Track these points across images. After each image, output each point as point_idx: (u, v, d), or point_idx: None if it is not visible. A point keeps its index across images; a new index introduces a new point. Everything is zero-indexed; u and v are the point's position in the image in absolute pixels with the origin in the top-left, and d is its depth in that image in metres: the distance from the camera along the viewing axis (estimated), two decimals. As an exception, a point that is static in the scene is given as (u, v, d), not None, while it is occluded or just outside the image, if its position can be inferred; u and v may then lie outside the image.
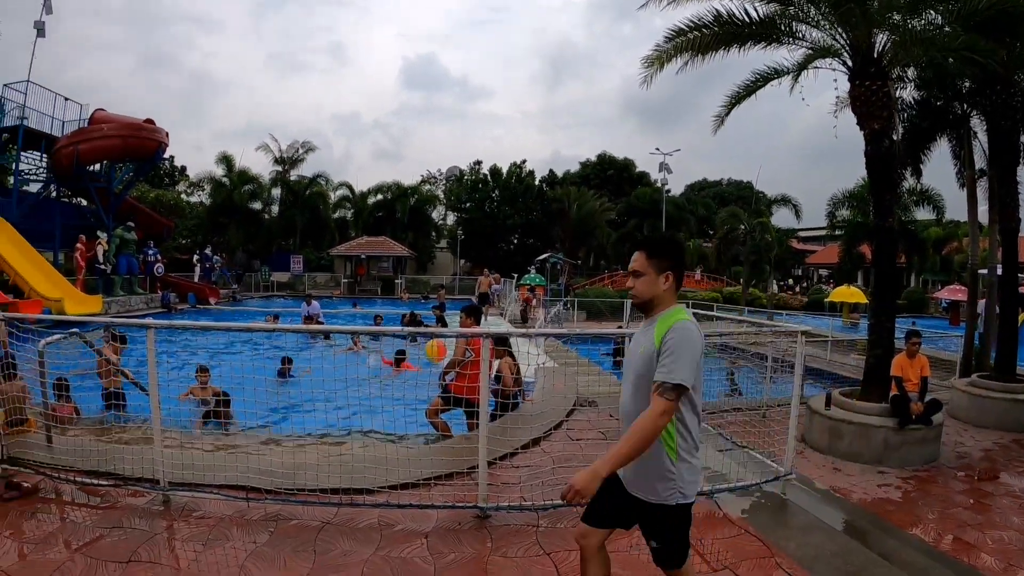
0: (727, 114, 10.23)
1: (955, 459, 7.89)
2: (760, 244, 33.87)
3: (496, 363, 7.92)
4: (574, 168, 61.17)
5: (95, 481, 5.88)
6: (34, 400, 7.02)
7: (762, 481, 6.12)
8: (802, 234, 56.35)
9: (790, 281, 49.73)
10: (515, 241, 54.23)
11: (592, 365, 13.20)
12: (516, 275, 30.99)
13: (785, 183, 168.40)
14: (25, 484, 5.79)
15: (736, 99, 9.96)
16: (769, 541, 5.07)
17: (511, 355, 8.60)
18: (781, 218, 41.79)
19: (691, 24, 8.82)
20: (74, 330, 7.54)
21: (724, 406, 9.33)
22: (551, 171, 58.56)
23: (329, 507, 5.31)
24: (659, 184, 48.14)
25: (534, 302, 26.51)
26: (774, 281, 41.24)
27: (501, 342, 8.35)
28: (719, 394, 9.98)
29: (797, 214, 35.73)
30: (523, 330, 10.25)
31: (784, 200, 36.18)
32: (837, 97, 9.15)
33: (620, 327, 21.48)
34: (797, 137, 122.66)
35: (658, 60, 9.38)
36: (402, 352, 12.58)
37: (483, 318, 23.62)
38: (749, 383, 10.92)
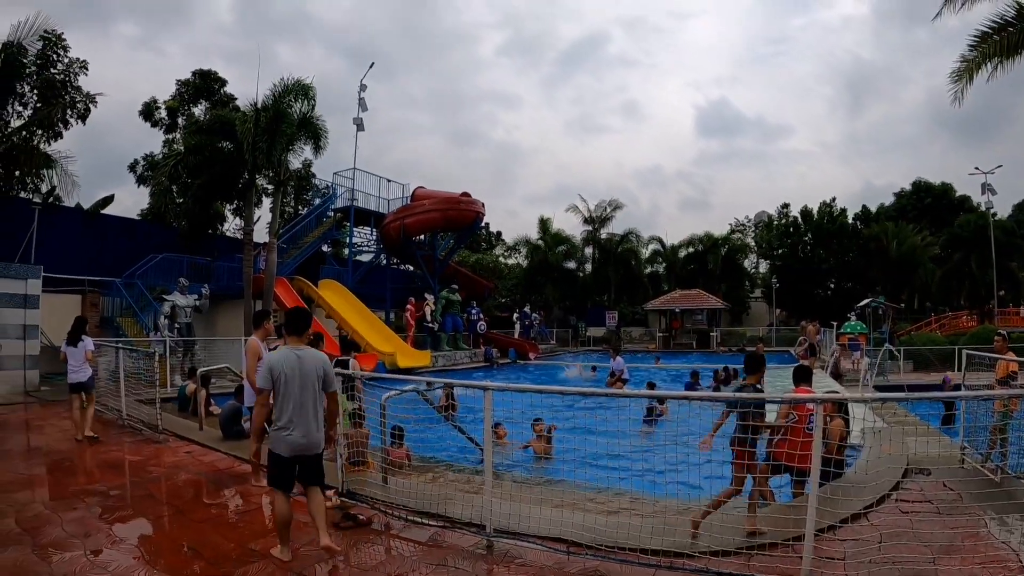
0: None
1: None
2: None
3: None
4: (887, 200, 55.80)
5: (424, 520, 6.28)
6: (373, 444, 7.90)
7: None
8: None
9: None
10: (831, 286, 50.51)
11: (922, 424, 11.45)
12: (835, 323, 28.50)
13: None
14: (361, 517, 6.39)
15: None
16: None
17: (843, 416, 7.78)
18: None
19: (994, 25, 7.70)
20: (412, 387, 8.41)
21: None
22: (864, 206, 53.59)
23: (647, 567, 5.11)
24: (983, 208, 42.02)
25: (849, 355, 24.05)
26: None
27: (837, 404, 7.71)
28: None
29: None
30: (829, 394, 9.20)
31: None
32: None
33: (950, 378, 18.47)
34: None
35: (966, 72, 8.40)
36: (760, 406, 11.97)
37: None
38: None
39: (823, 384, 18.02)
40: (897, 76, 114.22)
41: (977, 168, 40.17)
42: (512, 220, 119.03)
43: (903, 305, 43.40)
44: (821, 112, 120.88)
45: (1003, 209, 54.39)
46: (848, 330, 27.98)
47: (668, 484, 6.21)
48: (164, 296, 19.77)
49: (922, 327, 36.66)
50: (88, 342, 10.73)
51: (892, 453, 8.61)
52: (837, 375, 19.90)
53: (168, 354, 16.58)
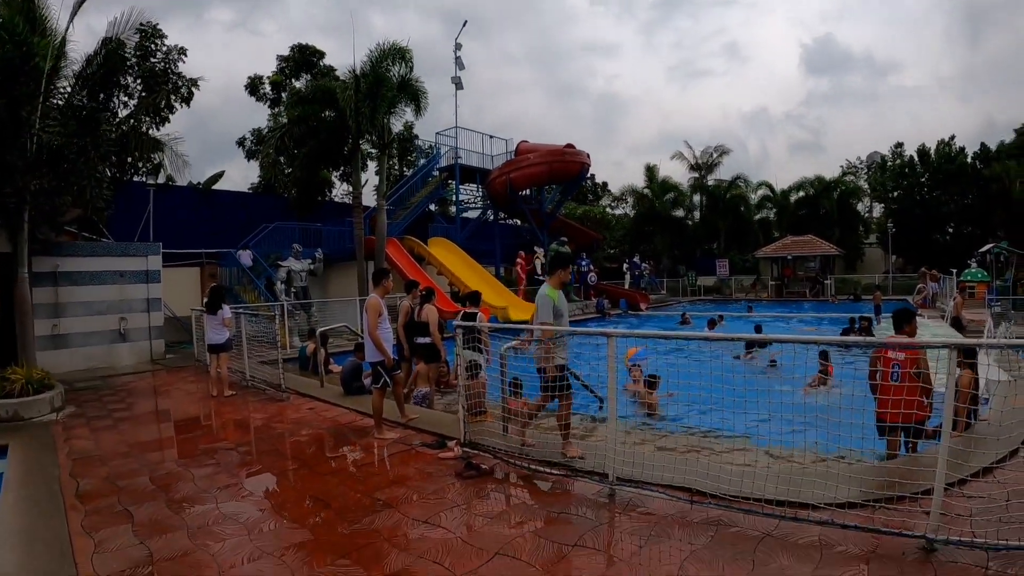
0: None
1: None
2: None
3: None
4: (1008, 137, 50.83)
5: (546, 470, 6.24)
6: (492, 395, 7.96)
7: None
8: None
9: None
10: (950, 231, 46.87)
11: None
12: (954, 270, 26.62)
13: None
14: (483, 466, 6.42)
15: None
16: None
17: (972, 367, 7.18)
18: None
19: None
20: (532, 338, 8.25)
21: None
22: (983, 144, 47.92)
23: (771, 518, 4.91)
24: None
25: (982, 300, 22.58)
26: None
27: (967, 352, 7.18)
28: None
29: None
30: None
31: None
32: None
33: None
34: None
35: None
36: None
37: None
38: None
39: (942, 333, 16.89)
40: (1017, 2, 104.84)
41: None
42: (618, 171, 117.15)
43: (1028, 249, 40.29)
44: (936, 45, 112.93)
45: None
46: (968, 278, 26.31)
47: (795, 433, 5.95)
48: (279, 263, 20.42)
49: (1047, 274, 33.91)
50: (226, 310, 11.77)
51: (1021, 406, 7.99)
52: (959, 325, 18.62)
53: (286, 317, 17.19)
